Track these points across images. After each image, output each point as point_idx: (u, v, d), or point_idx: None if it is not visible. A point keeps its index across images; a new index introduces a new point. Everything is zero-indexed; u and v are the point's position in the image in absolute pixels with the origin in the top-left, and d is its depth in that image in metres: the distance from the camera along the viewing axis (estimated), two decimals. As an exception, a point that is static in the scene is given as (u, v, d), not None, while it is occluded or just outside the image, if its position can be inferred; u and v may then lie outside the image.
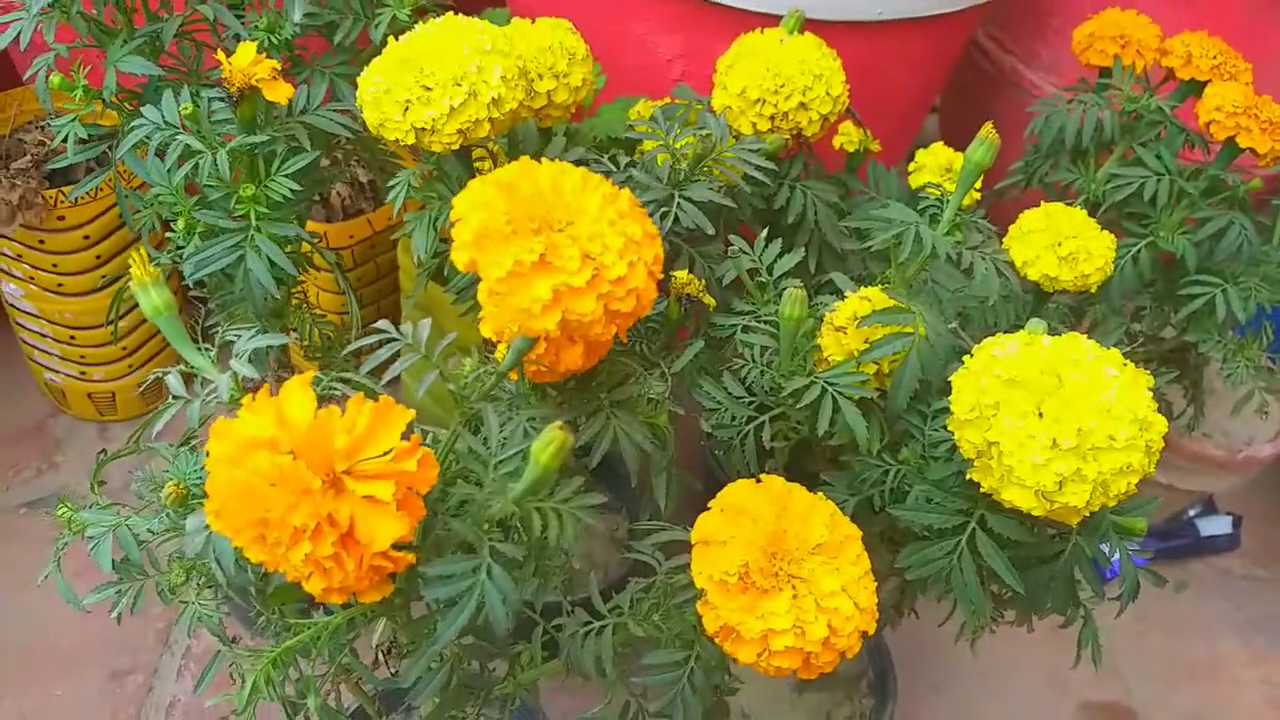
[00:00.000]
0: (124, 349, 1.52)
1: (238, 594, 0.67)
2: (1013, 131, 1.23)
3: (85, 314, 1.45)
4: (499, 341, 0.67)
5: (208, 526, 0.56)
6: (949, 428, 0.68)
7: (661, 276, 0.56)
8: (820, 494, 0.61)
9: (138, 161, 0.92)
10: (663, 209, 0.89)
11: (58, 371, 1.54)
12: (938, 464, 0.77)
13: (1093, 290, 0.87)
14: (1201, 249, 1.10)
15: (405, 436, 0.51)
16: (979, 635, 0.99)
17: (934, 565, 0.75)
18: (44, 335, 1.48)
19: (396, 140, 0.80)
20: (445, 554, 0.51)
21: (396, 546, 0.50)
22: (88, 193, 1.30)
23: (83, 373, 1.53)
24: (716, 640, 0.58)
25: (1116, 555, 1.80)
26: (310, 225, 1.41)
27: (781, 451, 1.26)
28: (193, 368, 0.59)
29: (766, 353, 0.82)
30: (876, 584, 1.10)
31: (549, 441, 0.51)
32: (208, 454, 0.50)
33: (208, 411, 0.56)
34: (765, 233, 0.91)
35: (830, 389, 0.77)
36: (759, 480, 0.62)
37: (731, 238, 0.90)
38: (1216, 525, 1.71)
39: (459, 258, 0.51)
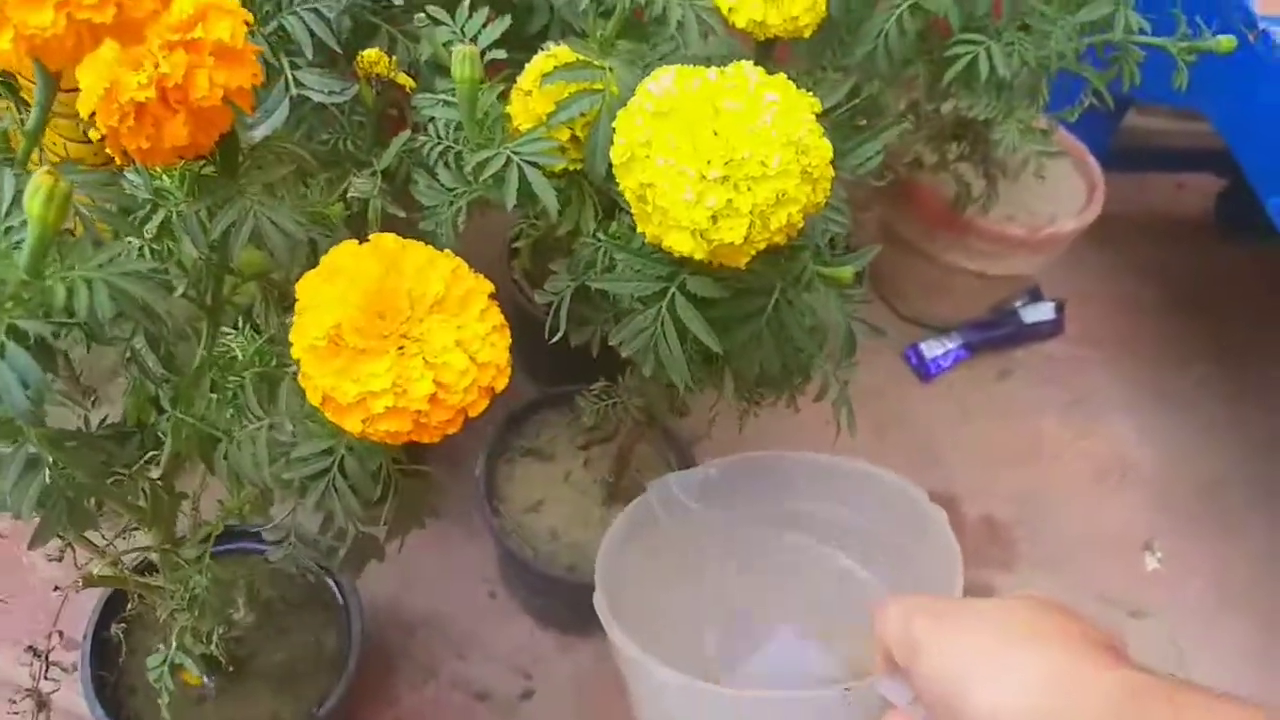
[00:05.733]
0: None
1: None
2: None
3: None
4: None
5: None
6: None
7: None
8: (447, 251, 0.56)
9: None
10: (347, -25, 0.80)
11: None
12: (639, 233, 0.72)
13: (806, 35, 0.81)
14: (964, 7, 1.04)
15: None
16: (745, 419, 0.97)
17: (643, 336, 0.71)
18: None
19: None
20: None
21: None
22: None
23: None
24: (323, 411, 0.53)
25: (938, 353, 1.78)
26: None
27: (525, 250, 1.22)
28: None
29: (452, 126, 0.75)
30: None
31: (36, 188, 0.44)
32: None
33: None
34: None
35: (516, 158, 0.71)
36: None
37: (428, 7, 0.81)
38: (1040, 312, 1.72)
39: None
